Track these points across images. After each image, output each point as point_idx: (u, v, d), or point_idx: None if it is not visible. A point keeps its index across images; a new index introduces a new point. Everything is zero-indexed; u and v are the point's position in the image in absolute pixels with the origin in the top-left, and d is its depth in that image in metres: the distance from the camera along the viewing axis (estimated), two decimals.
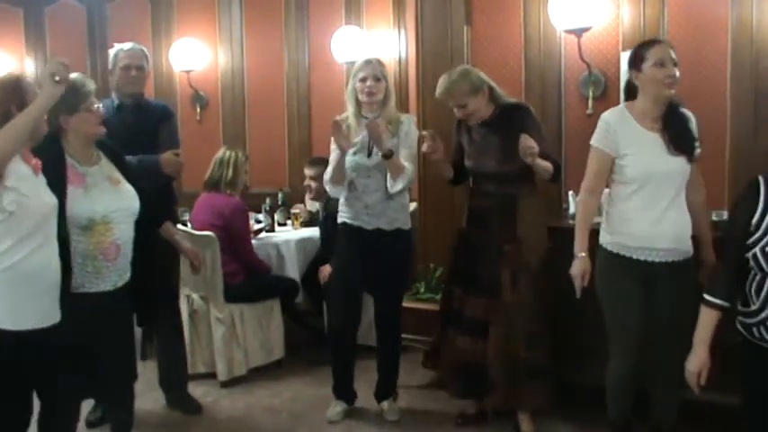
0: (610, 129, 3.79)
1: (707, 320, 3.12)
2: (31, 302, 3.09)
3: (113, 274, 3.53)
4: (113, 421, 3.97)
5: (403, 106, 6.27)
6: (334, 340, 4.86)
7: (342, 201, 4.72)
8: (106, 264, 3.50)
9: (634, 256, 3.76)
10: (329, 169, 4.62)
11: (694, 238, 3.81)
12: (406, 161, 4.55)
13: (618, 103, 4.96)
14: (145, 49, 4.87)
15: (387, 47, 6.50)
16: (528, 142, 4.02)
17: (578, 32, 5.05)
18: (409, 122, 4.67)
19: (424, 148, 4.37)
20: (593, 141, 3.85)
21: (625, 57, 5.01)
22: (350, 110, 4.63)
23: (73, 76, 3.41)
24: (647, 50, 3.70)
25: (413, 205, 5.93)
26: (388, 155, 4.43)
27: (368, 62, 4.60)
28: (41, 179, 3.20)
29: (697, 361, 3.13)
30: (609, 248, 3.83)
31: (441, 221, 5.63)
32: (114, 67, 4.74)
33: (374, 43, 6.48)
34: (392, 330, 4.83)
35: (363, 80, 4.53)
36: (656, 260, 3.73)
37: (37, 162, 3.20)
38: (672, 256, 3.72)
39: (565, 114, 5.33)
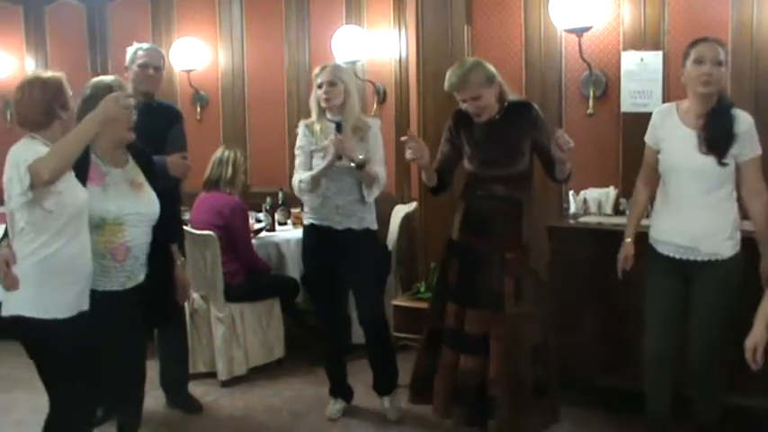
0: (654, 123, 3.94)
1: (765, 301, 3.18)
2: (63, 293, 3.27)
3: (121, 274, 3.55)
4: (121, 420, 3.96)
5: (403, 106, 6.28)
6: (323, 341, 4.93)
7: (308, 202, 4.72)
8: (114, 263, 3.52)
9: (658, 249, 3.88)
10: (307, 177, 4.56)
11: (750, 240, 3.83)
12: (377, 167, 4.57)
13: (618, 103, 5.02)
14: (163, 51, 4.92)
15: (387, 46, 6.49)
16: (565, 137, 3.84)
17: (579, 32, 5.04)
18: (376, 126, 4.70)
19: (408, 154, 4.08)
20: (645, 136, 4.00)
21: (626, 56, 5.06)
22: (314, 115, 4.68)
23: (109, 78, 3.64)
24: (691, 48, 3.76)
25: (413, 205, 5.96)
26: (361, 165, 4.43)
27: (323, 68, 4.64)
28: (72, 175, 3.31)
29: (752, 337, 3.15)
30: (650, 240, 3.96)
31: (441, 220, 5.62)
32: (131, 64, 4.78)
33: (374, 43, 6.48)
34: (377, 329, 4.79)
35: (320, 86, 4.58)
36: (677, 256, 3.79)
37: None
38: (694, 254, 3.76)
39: (565, 114, 5.33)
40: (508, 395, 4.02)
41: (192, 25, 7.52)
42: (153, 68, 4.79)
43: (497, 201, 4.14)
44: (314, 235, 4.72)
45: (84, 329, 3.32)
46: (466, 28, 5.55)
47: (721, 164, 3.69)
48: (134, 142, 3.76)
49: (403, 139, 4.13)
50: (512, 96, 4.25)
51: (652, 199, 4.07)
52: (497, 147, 4.14)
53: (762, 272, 3.77)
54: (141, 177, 3.72)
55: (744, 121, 3.74)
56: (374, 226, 4.75)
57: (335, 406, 4.91)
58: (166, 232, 3.89)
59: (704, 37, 3.84)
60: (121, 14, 7.93)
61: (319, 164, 4.56)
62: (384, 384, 4.88)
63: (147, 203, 3.67)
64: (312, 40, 7.06)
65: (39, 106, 3.30)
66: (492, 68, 4.13)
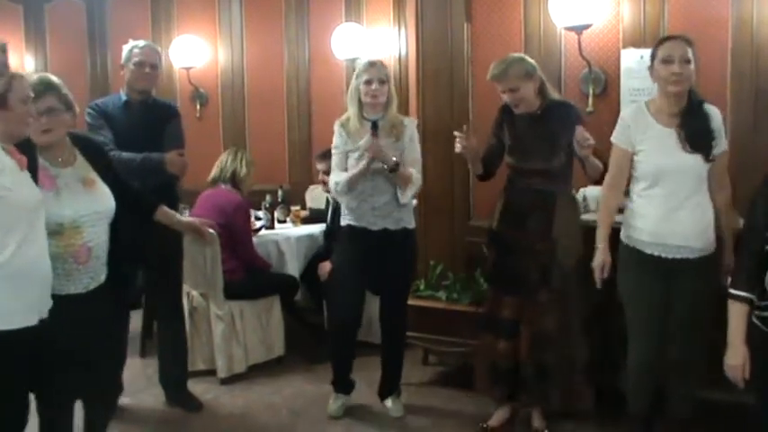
0: (625, 123, 3.86)
1: (737, 315, 3.07)
2: (19, 300, 3.01)
3: (84, 276, 3.47)
4: (90, 416, 3.90)
5: (403, 104, 6.27)
6: (337, 337, 4.88)
7: (345, 204, 4.70)
8: (77, 266, 3.44)
9: (647, 251, 3.80)
10: (344, 179, 4.56)
11: (719, 237, 3.81)
12: (412, 167, 4.57)
13: (618, 101, 5.01)
14: (159, 48, 4.90)
15: (387, 44, 6.50)
16: (585, 133, 3.99)
17: (578, 30, 5.05)
18: (412, 126, 4.69)
19: (458, 148, 4.33)
20: (612, 137, 3.92)
21: (625, 54, 5.05)
22: (351, 111, 4.61)
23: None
24: (658, 47, 3.74)
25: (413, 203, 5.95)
26: (395, 169, 4.44)
27: (372, 64, 4.58)
28: (26, 174, 3.14)
29: (737, 355, 3.07)
30: (625, 242, 3.90)
31: (441, 219, 5.64)
32: (127, 62, 4.75)
33: (374, 40, 6.48)
34: (398, 329, 4.84)
35: (368, 83, 4.51)
36: (669, 256, 3.75)
37: (22, 158, 3.13)
38: (686, 253, 3.73)
39: None
40: (534, 374, 4.33)
41: (191, 23, 7.53)
42: (149, 66, 4.75)
43: (534, 194, 4.31)
44: (350, 235, 4.69)
45: (38, 340, 3.10)
46: (465, 26, 5.54)
47: (708, 160, 3.69)
48: (80, 135, 3.67)
49: (457, 133, 4.33)
50: (555, 95, 4.44)
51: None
52: (536, 141, 4.30)
53: (724, 264, 3.73)
54: (92, 173, 3.60)
55: (716, 116, 3.76)
56: (411, 225, 4.72)
57: (337, 402, 4.90)
58: (144, 205, 3.89)
59: (670, 35, 3.87)
60: (121, 12, 7.94)
61: (355, 164, 4.55)
62: (390, 386, 4.89)
63: (103, 200, 3.57)
64: (312, 37, 7.08)
65: None
66: (533, 64, 4.33)
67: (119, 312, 3.87)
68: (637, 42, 5.05)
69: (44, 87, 3.41)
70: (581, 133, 3.97)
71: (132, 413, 4.96)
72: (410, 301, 5.25)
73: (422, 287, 5.41)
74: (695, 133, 3.69)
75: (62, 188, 3.45)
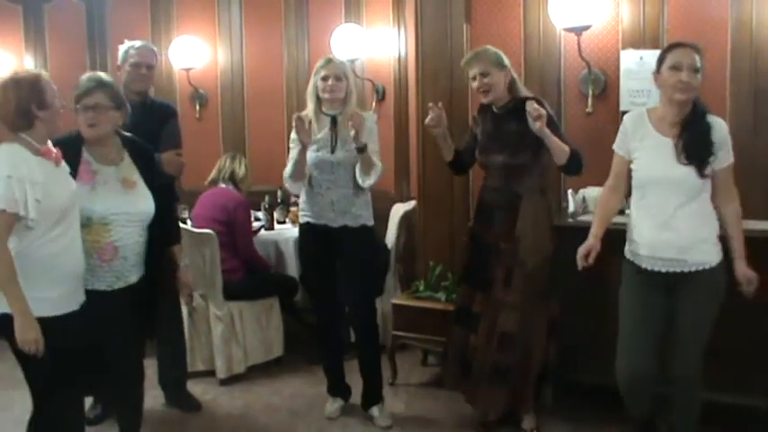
0: (624, 131, 3.82)
1: None
2: (46, 291, 3.20)
3: (108, 274, 3.53)
4: (121, 421, 3.96)
5: (402, 104, 6.28)
6: (320, 340, 4.94)
7: (303, 199, 4.73)
8: (100, 263, 3.51)
9: (643, 265, 3.74)
10: (289, 166, 4.62)
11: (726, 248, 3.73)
12: (374, 156, 4.58)
13: (617, 102, 5.01)
14: (155, 48, 4.89)
15: (386, 45, 6.49)
16: (533, 105, 4.04)
17: (578, 31, 5.05)
18: (372, 120, 4.70)
19: (428, 120, 4.41)
20: (614, 145, 3.88)
21: (625, 55, 5.06)
22: (310, 107, 4.65)
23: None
24: (667, 52, 3.68)
25: (412, 203, 5.95)
26: (363, 148, 4.46)
27: (329, 60, 4.64)
28: (63, 168, 3.33)
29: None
30: (625, 255, 3.85)
31: (440, 219, 5.64)
32: (124, 63, 4.74)
33: (374, 41, 6.48)
34: (368, 330, 4.79)
35: (325, 78, 4.56)
36: (663, 270, 3.67)
37: (57, 153, 3.30)
38: (682, 266, 3.64)
39: (564, 113, 5.33)
40: (479, 369, 4.47)
41: (191, 23, 7.51)
42: (146, 67, 4.75)
43: (496, 192, 4.41)
44: (310, 233, 4.72)
45: (71, 330, 3.27)
46: (465, 26, 5.54)
47: (702, 175, 3.59)
48: (133, 139, 3.76)
49: (430, 104, 4.44)
50: (525, 93, 4.45)
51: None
52: (501, 137, 4.37)
53: (737, 275, 3.65)
54: (136, 176, 3.68)
55: (719, 128, 3.65)
56: (370, 222, 4.73)
57: (334, 405, 4.91)
58: (165, 234, 3.87)
59: (680, 41, 3.77)
60: (121, 12, 7.92)
61: (315, 156, 4.58)
62: (371, 395, 4.84)
63: (138, 203, 3.64)
64: (311, 38, 7.06)
65: (13, 107, 3.19)
66: (507, 60, 4.40)
67: (146, 315, 3.87)
68: (636, 43, 5.06)
69: (95, 84, 3.58)
70: (530, 105, 4.03)
71: None
72: (409, 302, 5.28)
73: (421, 288, 5.42)
74: (692, 145, 3.59)
75: (99, 184, 3.55)
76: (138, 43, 4.80)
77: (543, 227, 4.39)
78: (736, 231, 3.71)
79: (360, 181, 4.56)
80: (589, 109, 5.19)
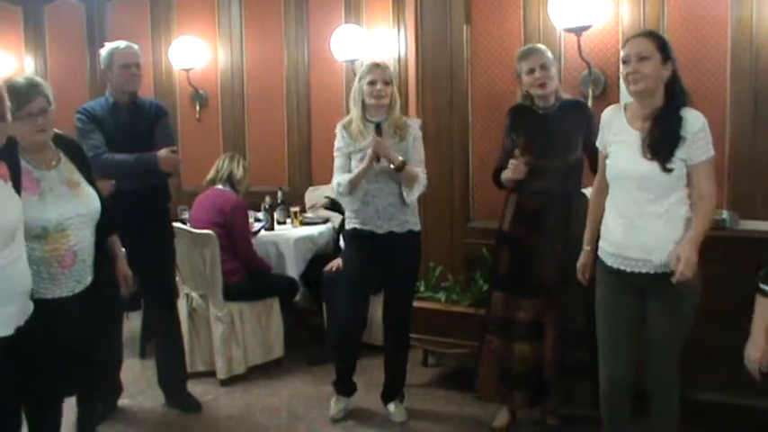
0: (602, 125, 3.75)
1: (763, 310, 3.03)
2: (2, 309, 3.04)
3: (70, 280, 3.46)
4: (83, 416, 3.96)
5: (402, 105, 6.27)
6: (342, 340, 4.87)
7: (349, 208, 4.68)
8: (62, 270, 3.42)
9: (609, 263, 3.66)
10: (345, 180, 4.51)
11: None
12: (417, 167, 4.55)
13: (618, 102, 5.00)
14: (137, 46, 4.85)
15: (386, 45, 6.50)
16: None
17: (578, 31, 5.05)
18: (416, 127, 4.67)
19: (511, 173, 4.28)
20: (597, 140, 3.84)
21: None
22: (354, 113, 4.59)
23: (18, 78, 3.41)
24: (622, 48, 3.61)
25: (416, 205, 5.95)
26: (401, 167, 4.43)
27: (377, 65, 4.58)
28: (8, 188, 3.13)
29: (757, 349, 3.04)
30: (599, 255, 3.76)
31: (440, 221, 5.63)
32: (110, 66, 4.70)
33: (374, 42, 6.48)
34: (403, 332, 4.81)
35: (372, 83, 4.48)
36: (629, 270, 3.57)
37: (3, 169, 3.12)
38: (649, 267, 3.52)
39: None
40: (560, 374, 4.31)
41: (191, 24, 7.53)
42: (134, 66, 4.70)
43: (549, 193, 4.30)
44: (356, 239, 4.67)
45: (16, 347, 3.10)
46: (465, 27, 5.53)
47: (665, 170, 3.42)
48: (62, 136, 3.65)
49: (512, 161, 4.27)
50: (565, 95, 4.45)
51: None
52: (552, 139, 4.29)
53: (677, 251, 3.43)
54: (77, 175, 3.58)
55: (693, 121, 3.44)
56: (417, 227, 4.69)
57: (338, 405, 4.89)
58: (108, 226, 3.74)
59: (638, 32, 3.72)
60: (121, 14, 7.95)
61: (358, 166, 4.52)
62: (395, 389, 4.87)
63: (88, 203, 3.55)
64: (311, 39, 7.08)
65: None
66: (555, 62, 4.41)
67: (108, 315, 3.85)
68: None
69: (35, 88, 3.40)
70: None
71: (132, 414, 4.97)
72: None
73: (422, 288, 5.41)
74: (656, 139, 3.46)
75: (46, 191, 3.43)
76: (121, 44, 4.75)
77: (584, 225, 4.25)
78: (698, 218, 3.45)
79: (405, 196, 4.53)
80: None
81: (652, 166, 3.45)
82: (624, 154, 3.57)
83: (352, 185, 4.50)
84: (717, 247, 3.72)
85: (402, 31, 6.40)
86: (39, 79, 3.50)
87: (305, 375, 5.60)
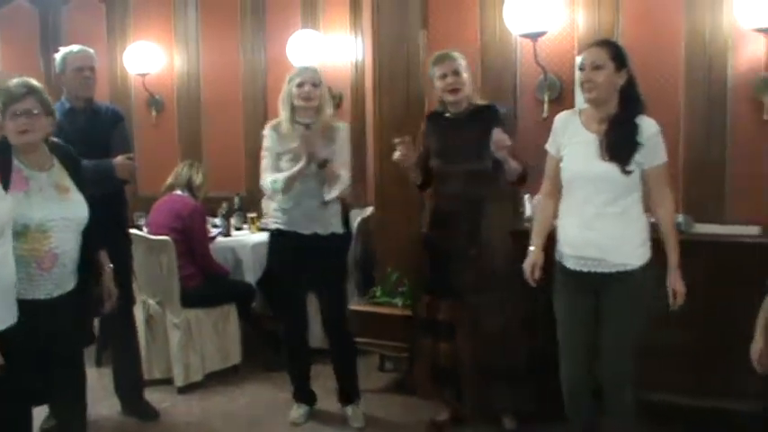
0: (555, 129, 3.82)
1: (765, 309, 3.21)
2: None
3: (47, 283, 3.42)
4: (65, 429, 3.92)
5: (359, 110, 6.28)
6: (288, 346, 4.90)
7: (274, 207, 4.72)
8: (39, 272, 3.39)
9: (568, 265, 3.73)
10: (282, 176, 4.51)
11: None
12: (343, 168, 4.58)
13: (572, 107, 5.03)
14: (93, 51, 4.81)
15: (343, 50, 6.50)
16: (501, 135, 4.02)
17: (534, 37, 5.09)
18: (345, 130, 4.71)
19: (396, 155, 4.34)
20: (546, 145, 3.88)
21: (580, 61, 5.09)
22: (284, 115, 4.60)
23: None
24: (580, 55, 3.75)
25: (369, 209, 5.96)
26: (323, 165, 4.45)
27: (306, 68, 4.65)
28: None
29: (754, 346, 3.24)
30: (555, 256, 3.83)
31: (397, 226, 5.62)
32: (64, 70, 4.66)
33: (331, 47, 6.48)
34: (341, 332, 4.81)
35: (301, 85, 4.51)
36: (585, 270, 3.65)
37: None
38: (605, 267, 3.61)
39: (520, 118, 5.35)
40: (471, 378, 4.42)
41: (147, 29, 7.47)
42: (89, 70, 4.67)
43: (459, 197, 4.35)
44: (281, 240, 4.70)
45: (14, 343, 3.14)
46: (422, 32, 5.55)
47: (625, 172, 3.54)
48: (60, 144, 3.65)
49: (396, 140, 4.34)
50: (479, 100, 4.48)
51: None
52: (462, 143, 4.34)
53: (668, 284, 3.64)
54: (68, 181, 3.57)
55: (648, 128, 3.59)
56: (340, 230, 4.71)
57: (299, 410, 4.89)
58: (94, 239, 3.71)
59: (594, 41, 3.82)
60: (76, 18, 7.87)
61: (287, 166, 4.53)
62: (349, 392, 4.87)
63: (75, 208, 3.52)
64: (268, 43, 7.04)
65: None
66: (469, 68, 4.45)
67: (83, 322, 3.82)
68: None
69: (26, 90, 3.42)
70: (497, 135, 4.02)
71: (89, 423, 4.89)
72: (367, 308, 5.28)
73: (378, 294, 5.42)
74: (614, 142, 3.57)
75: (33, 190, 3.42)
76: (75, 48, 4.71)
77: (506, 231, 4.41)
78: (669, 238, 3.66)
79: (324, 193, 4.55)
80: (545, 114, 5.21)
81: (609, 167, 3.56)
82: (581, 156, 3.65)
83: (289, 183, 4.50)
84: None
85: (359, 36, 6.40)
86: (35, 84, 3.49)
87: (263, 381, 5.58)
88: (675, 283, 3.62)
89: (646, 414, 3.90)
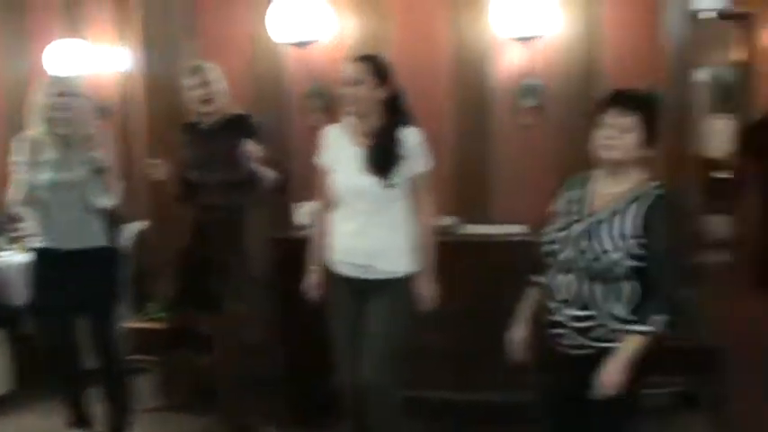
0: (324, 143, 3.88)
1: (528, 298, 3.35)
2: None
3: None
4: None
5: (129, 121, 6.12)
6: (53, 369, 4.67)
7: (33, 223, 4.53)
8: None
9: (337, 270, 3.83)
10: (20, 190, 4.37)
11: None
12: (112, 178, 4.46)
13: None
14: None
15: (110, 61, 6.31)
16: (250, 147, 4.12)
17: (303, 46, 5.12)
18: (105, 137, 4.55)
19: (155, 176, 4.37)
20: (316, 157, 3.91)
21: None
22: (37, 126, 4.42)
23: None
24: None
25: (142, 224, 5.80)
26: (100, 170, 4.34)
27: (58, 79, 4.56)
28: None
29: (517, 335, 3.31)
30: (326, 263, 3.90)
31: (170, 240, 5.50)
32: None
33: (96, 57, 6.27)
34: (107, 356, 4.62)
35: (56, 95, 4.34)
36: (353, 275, 3.77)
37: None
38: (372, 273, 3.74)
39: (290, 127, 5.40)
40: (226, 390, 4.51)
41: None
42: None
43: (215, 207, 4.41)
44: (43, 258, 4.50)
45: None
46: (191, 43, 5.46)
47: (387, 186, 3.68)
48: None
49: (150, 162, 4.42)
50: (236, 110, 4.51)
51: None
52: (217, 153, 4.36)
53: (421, 288, 3.78)
54: None
55: (410, 138, 3.71)
56: (102, 243, 4.51)
57: None
58: None
59: (354, 56, 3.88)
60: None
61: (47, 177, 4.33)
62: (117, 421, 4.67)
63: None
64: (31, 53, 6.70)
65: None
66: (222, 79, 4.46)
67: None
68: None
69: None
70: (247, 146, 4.12)
71: None
72: (140, 324, 5.18)
73: (153, 309, 5.30)
74: (375, 157, 3.69)
75: None
76: None
77: (266, 239, 4.51)
78: (422, 244, 3.80)
79: (94, 201, 4.37)
80: (314, 123, 5.22)
81: (372, 181, 3.66)
82: (347, 169, 3.74)
83: (28, 193, 4.36)
84: (444, 252, 3.89)
85: (126, 46, 6.22)
86: None
87: (38, 410, 5.29)
88: (423, 288, 3.76)
89: (417, 411, 4.05)
